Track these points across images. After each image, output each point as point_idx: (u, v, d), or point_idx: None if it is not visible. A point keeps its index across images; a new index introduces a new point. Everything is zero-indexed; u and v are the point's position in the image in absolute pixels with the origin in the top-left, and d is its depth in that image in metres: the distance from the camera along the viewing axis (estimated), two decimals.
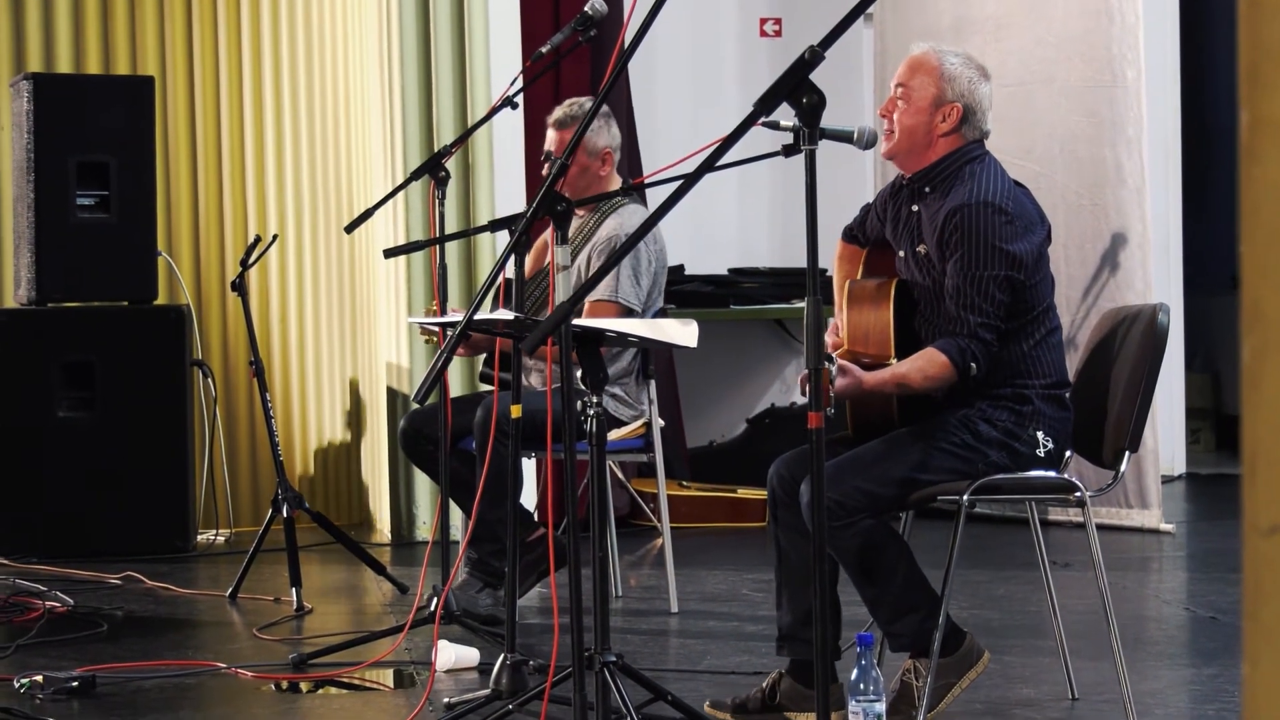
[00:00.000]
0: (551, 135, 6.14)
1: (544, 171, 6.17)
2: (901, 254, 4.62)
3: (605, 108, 6.23)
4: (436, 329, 5.90)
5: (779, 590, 4.58)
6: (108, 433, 7.50)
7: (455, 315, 5.09)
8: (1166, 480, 8.93)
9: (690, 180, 3.23)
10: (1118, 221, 7.79)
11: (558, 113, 6.21)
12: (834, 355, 4.27)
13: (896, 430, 4.46)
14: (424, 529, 7.87)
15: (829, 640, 3.34)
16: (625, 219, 6.06)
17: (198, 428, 7.85)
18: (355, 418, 8.77)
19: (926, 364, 4.36)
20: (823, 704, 3.39)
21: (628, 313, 5.95)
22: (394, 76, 7.96)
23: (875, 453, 4.43)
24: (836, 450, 4.42)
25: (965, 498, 4.36)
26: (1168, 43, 9.56)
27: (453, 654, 5.21)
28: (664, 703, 4.41)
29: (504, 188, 7.79)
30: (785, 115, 3.46)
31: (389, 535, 8.06)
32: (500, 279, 4.40)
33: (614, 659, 4.01)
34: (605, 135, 6.15)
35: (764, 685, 4.59)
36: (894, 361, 4.41)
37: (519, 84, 5.52)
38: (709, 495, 8.45)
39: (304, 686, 5.14)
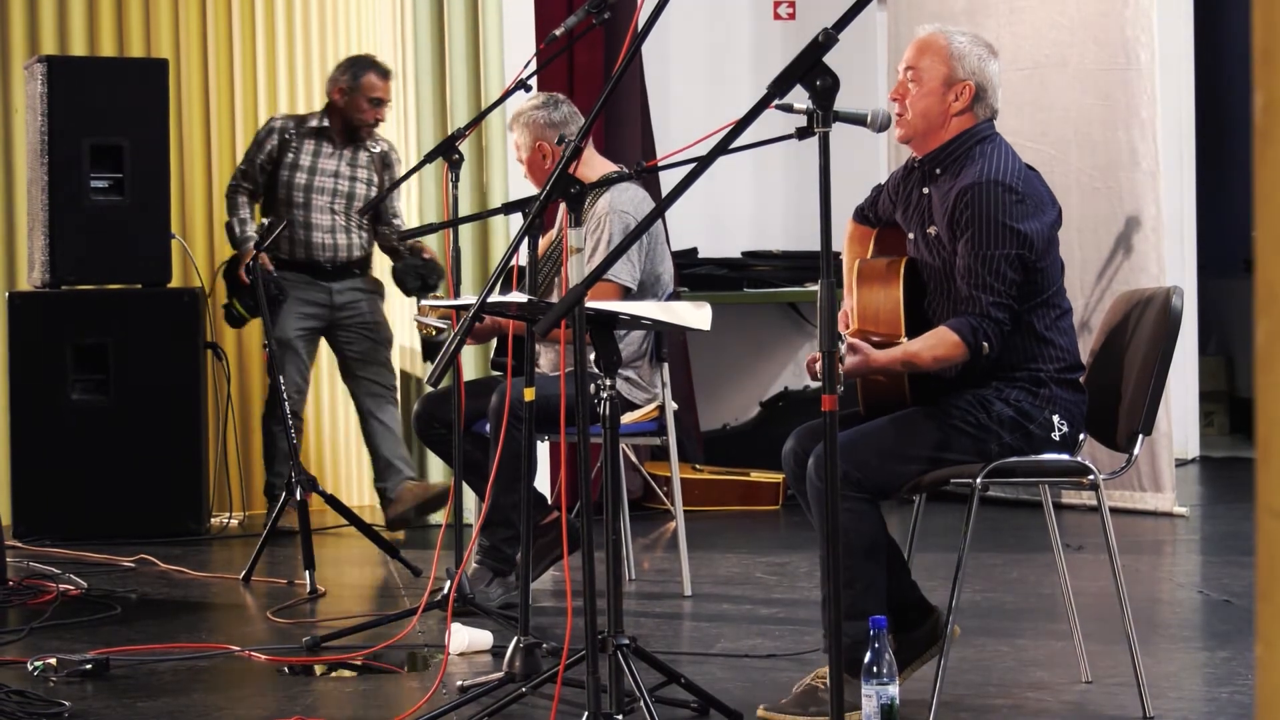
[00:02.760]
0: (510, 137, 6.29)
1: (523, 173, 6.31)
2: (912, 236, 4.61)
3: (543, 97, 6.22)
4: (434, 323, 5.92)
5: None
6: (121, 415, 7.51)
7: (468, 299, 5.09)
8: (1180, 463, 8.93)
9: (704, 163, 3.23)
10: (1131, 204, 7.78)
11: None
12: (844, 334, 4.25)
13: (909, 408, 4.45)
14: (437, 512, 7.86)
15: (840, 621, 3.32)
16: (615, 195, 6.04)
17: (211, 410, 7.85)
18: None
19: (938, 342, 4.34)
20: (836, 687, 3.39)
21: (624, 291, 5.95)
22: (408, 59, 7.96)
23: (888, 428, 4.41)
24: (848, 426, 4.41)
25: (978, 480, 4.34)
26: (1181, 25, 9.54)
27: (466, 637, 5.22)
28: (677, 685, 4.41)
29: (517, 170, 7.75)
30: (799, 98, 3.46)
31: None
32: (514, 263, 4.39)
33: (627, 642, 4.01)
34: (536, 130, 6.16)
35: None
36: (904, 340, 4.39)
37: (533, 66, 5.51)
38: (722, 478, 8.45)
39: (317, 669, 5.15)
